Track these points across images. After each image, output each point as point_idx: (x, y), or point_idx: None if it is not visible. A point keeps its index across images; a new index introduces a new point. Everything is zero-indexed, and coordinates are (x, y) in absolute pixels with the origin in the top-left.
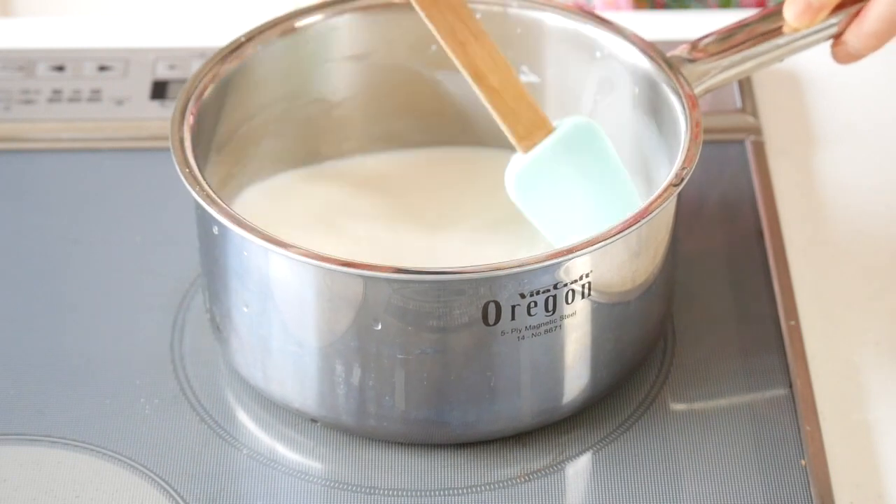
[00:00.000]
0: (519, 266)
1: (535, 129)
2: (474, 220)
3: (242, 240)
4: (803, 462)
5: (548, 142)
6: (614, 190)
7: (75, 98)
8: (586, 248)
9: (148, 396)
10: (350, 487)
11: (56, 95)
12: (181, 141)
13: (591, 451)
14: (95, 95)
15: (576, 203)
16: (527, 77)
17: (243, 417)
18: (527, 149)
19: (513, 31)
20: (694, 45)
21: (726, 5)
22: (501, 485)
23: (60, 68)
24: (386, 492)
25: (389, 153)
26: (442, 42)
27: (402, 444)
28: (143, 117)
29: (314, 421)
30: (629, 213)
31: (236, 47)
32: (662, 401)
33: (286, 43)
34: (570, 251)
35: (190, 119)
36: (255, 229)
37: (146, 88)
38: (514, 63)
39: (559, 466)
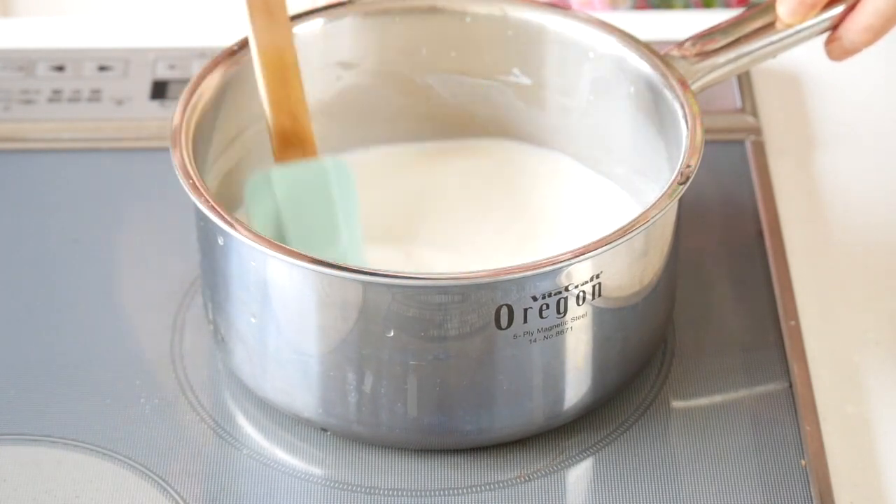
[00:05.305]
0: (531, 269)
1: (297, 146)
2: (475, 220)
3: (249, 250)
4: (803, 462)
5: (301, 164)
6: (336, 236)
7: (75, 98)
8: (595, 249)
9: (148, 396)
10: (350, 487)
11: (56, 95)
12: (182, 152)
13: (592, 451)
14: (95, 95)
15: (299, 227)
16: (518, 79)
17: (243, 417)
18: (279, 160)
19: (503, 33)
20: (688, 42)
21: (709, 5)
22: (501, 485)
23: (60, 68)
24: (386, 492)
25: (384, 159)
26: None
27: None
28: (143, 117)
29: (324, 430)
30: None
31: (230, 54)
32: (662, 401)
33: None
34: (579, 253)
35: (190, 129)
36: (263, 239)
37: (146, 88)
38: (506, 65)
39: (559, 466)
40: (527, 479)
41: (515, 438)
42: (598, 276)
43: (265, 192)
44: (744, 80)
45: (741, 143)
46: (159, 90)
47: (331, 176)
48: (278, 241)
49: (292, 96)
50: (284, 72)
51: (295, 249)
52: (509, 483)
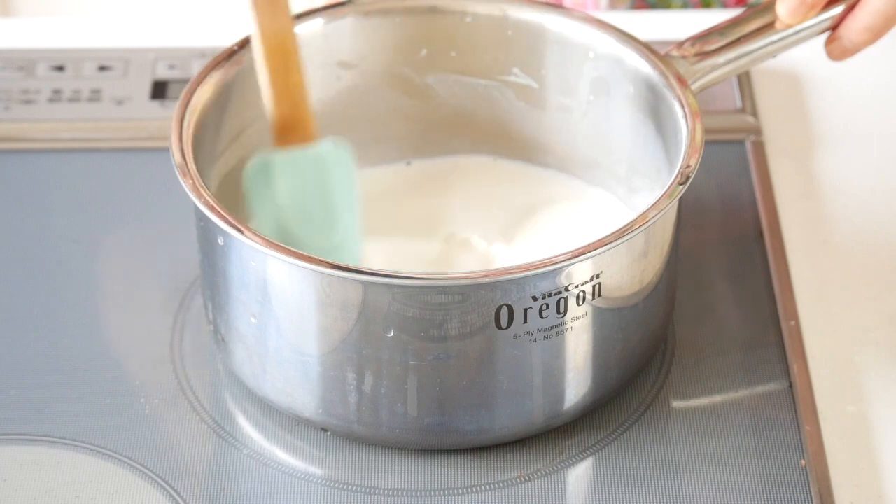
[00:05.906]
0: (531, 269)
1: (296, 131)
2: (478, 224)
3: (249, 250)
4: (803, 462)
5: (304, 150)
6: (337, 219)
7: (75, 98)
8: (595, 249)
9: (148, 396)
10: (350, 487)
11: (56, 95)
12: (182, 152)
13: (592, 451)
14: (95, 95)
15: (298, 213)
16: (518, 79)
17: (243, 417)
18: (279, 146)
19: (503, 33)
20: (688, 43)
21: (708, 5)
22: (501, 485)
23: (60, 68)
24: (386, 492)
25: (384, 160)
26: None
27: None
28: (143, 117)
29: (324, 430)
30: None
31: (230, 54)
32: (662, 401)
33: None
34: (579, 253)
35: (190, 129)
36: (263, 239)
37: (146, 88)
38: (506, 65)
39: (559, 466)
40: (527, 479)
41: (515, 438)
42: (598, 277)
43: (265, 176)
44: (744, 80)
45: (741, 143)
46: (159, 90)
47: (330, 161)
48: (277, 228)
49: (293, 82)
50: (286, 58)
51: (294, 249)
52: (509, 483)
